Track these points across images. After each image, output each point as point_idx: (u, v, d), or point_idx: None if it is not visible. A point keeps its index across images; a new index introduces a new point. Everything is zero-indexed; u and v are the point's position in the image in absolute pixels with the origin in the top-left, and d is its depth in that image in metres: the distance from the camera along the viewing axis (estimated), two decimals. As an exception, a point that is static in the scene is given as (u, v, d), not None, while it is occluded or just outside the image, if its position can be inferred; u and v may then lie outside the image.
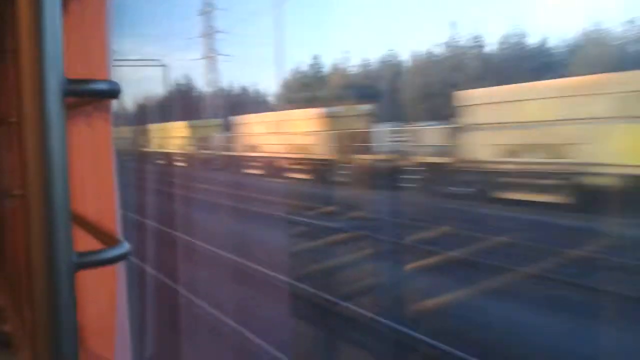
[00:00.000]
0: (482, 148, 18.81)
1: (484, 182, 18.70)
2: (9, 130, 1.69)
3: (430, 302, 11.20)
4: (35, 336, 0.75)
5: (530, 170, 17.45)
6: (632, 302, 10.43)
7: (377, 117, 24.39)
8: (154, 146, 45.84)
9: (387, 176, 20.86)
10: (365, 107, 25.19)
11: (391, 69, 48.07)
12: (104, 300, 1.20)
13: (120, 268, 1.24)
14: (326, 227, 16.56)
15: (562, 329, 10.53)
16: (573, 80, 18.89)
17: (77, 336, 0.78)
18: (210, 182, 28.03)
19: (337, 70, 47.45)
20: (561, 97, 17.23)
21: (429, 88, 35.66)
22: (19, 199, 1.75)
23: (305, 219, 17.98)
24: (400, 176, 20.90)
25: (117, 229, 1.20)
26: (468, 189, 19.31)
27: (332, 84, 43.41)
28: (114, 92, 0.88)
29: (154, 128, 47.27)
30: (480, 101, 19.88)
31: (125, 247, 0.88)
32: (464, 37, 59.59)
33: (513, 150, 18.07)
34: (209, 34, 47.72)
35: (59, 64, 0.73)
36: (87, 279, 0.96)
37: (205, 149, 36.34)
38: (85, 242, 0.90)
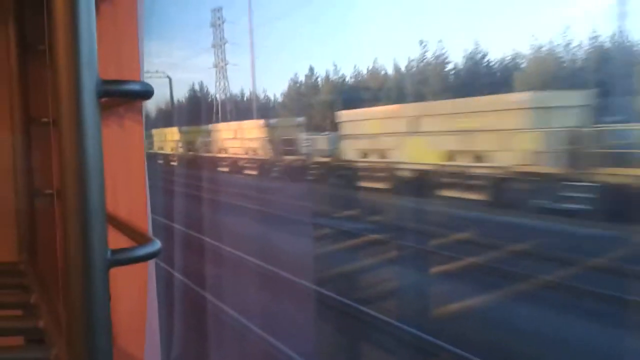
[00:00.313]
0: (349, 151, 26.98)
1: (349, 174, 26.33)
2: (41, 131, 1.74)
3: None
4: (71, 331, 0.77)
5: (372, 167, 24.98)
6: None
7: (305, 127, 32.68)
8: (155, 147, 52.65)
9: (300, 172, 28.41)
10: (298, 119, 34.03)
11: (329, 85, 53.50)
12: (135, 298, 1.23)
13: (150, 266, 1.28)
14: (245, 207, 22.48)
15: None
16: (389, 107, 28.64)
17: (111, 331, 0.81)
18: (185, 176, 33.19)
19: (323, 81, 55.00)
20: (383, 118, 25.42)
21: (335, 104, 42.54)
22: (50, 197, 1.76)
23: (241, 203, 24.00)
24: (307, 171, 28.70)
25: (148, 227, 1.26)
26: (341, 181, 26.73)
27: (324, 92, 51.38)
28: (146, 93, 0.93)
29: (156, 132, 54.18)
30: (346, 118, 28.80)
31: (157, 245, 0.91)
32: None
33: (364, 153, 25.92)
34: (219, 44, 51.36)
35: (93, 65, 0.76)
36: (119, 276, 0.99)
37: (190, 151, 44.35)
38: (117, 240, 0.93)
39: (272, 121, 34.51)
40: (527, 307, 12.27)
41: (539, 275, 12.90)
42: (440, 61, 43.62)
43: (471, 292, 12.80)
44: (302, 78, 55.88)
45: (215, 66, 47.39)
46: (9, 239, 1.72)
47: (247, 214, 22.43)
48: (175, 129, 50.64)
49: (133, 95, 1.00)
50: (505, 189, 19.04)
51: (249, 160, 31.97)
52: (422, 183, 22.33)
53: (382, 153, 25.35)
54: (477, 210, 19.17)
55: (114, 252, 0.88)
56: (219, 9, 45.50)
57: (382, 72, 48.70)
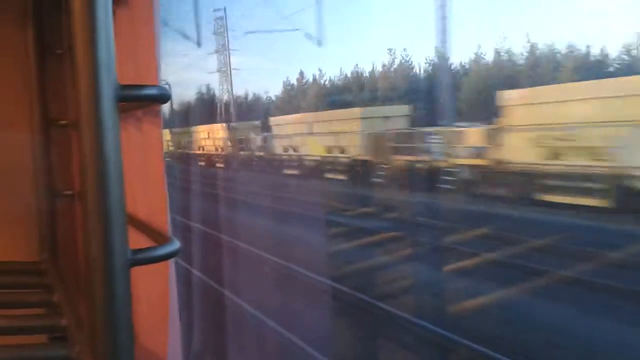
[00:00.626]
0: (277, 147, 34.72)
1: (276, 165, 33.70)
2: (60, 133, 1.79)
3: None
4: (93, 329, 0.80)
5: (290, 158, 32.88)
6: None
7: (260, 129, 39.58)
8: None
9: (248, 163, 36.39)
10: (255, 122, 40.86)
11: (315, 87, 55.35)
12: (156, 297, 1.24)
13: (171, 265, 1.27)
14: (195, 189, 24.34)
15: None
16: (297, 115, 37.90)
17: (132, 329, 0.84)
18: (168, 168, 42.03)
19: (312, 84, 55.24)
20: (294, 123, 34.60)
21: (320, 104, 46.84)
22: (70, 198, 1.80)
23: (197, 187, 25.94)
24: (252, 163, 36.41)
25: (168, 228, 1.25)
26: (272, 169, 33.91)
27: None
28: (164, 97, 0.96)
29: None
30: (275, 123, 37.61)
31: (176, 244, 0.94)
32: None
33: (285, 149, 33.59)
34: (220, 50, 52.42)
35: (112, 70, 0.79)
36: (141, 275, 1.00)
37: (178, 149, 50.54)
38: (137, 240, 0.95)
39: (233, 124, 42.56)
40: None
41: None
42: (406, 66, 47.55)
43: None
44: (293, 81, 56.82)
45: (218, 70, 48.27)
46: (30, 239, 1.66)
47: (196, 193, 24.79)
48: (167, 131, 54.63)
49: (150, 99, 1.00)
50: (354, 171, 27.16)
51: (218, 155, 39.64)
52: (316, 169, 30.02)
53: (295, 149, 33.06)
54: (341, 186, 27.23)
55: (135, 252, 0.88)
56: (221, 18, 46.29)
57: (363, 75, 51.34)
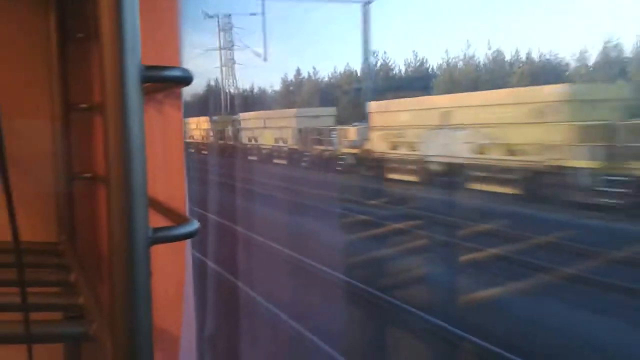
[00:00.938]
0: (243, 138, 32.06)
1: (243, 152, 31.15)
2: (80, 117, 1.45)
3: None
4: (114, 305, 0.66)
5: (252, 147, 31.25)
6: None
7: (238, 122, 34.95)
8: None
9: (224, 150, 33.65)
10: (233, 116, 36.80)
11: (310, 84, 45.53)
12: (173, 276, 1.02)
13: (187, 247, 1.05)
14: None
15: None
16: (258, 112, 33.87)
17: (151, 307, 0.68)
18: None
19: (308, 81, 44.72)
20: (255, 118, 32.47)
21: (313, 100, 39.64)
22: (88, 181, 1.47)
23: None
24: (227, 150, 33.55)
25: (186, 209, 1.03)
26: (239, 154, 31.63)
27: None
28: (186, 79, 0.77)
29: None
30: (242, 117, 34.11)
31: (195, 224, 0.78)
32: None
33: (249, 139, 31.56)
34: (227, 47, 43.96)
35: (137, 51, 0.64)
36: (159, 255, 0.80)
37: None
38: (156, 221, 0.78)
39: (214, 117, 39.25)
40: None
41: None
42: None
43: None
44: (291, 77, 46.70)
45: (225, 65, 45.37)
46: (49, 220, 1.35)
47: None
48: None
49: (174, 80, 0.78)
50: (291, 158, 27.03)
51: (204, 143, 37.29)
52: (268, 155, 29.60)
53: (255, 139, 32.15)
54: (281, 168, 26.57)
55: (155, 230, 0.71)
56: (229, 15, 42.49)
57: (353, 74, 41.98)
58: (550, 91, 13.42)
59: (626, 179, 11.05)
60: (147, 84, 0.61)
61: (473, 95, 16.92)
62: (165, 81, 0.67)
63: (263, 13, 30.82)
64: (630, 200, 10.90)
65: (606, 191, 11.34)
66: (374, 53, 31.82)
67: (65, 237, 1.20)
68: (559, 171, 12.23)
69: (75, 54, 1.25)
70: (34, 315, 0.79)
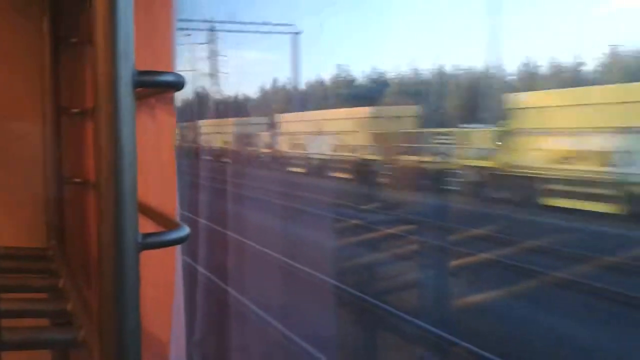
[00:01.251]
0: (202, 142, 32.75)
1: (210, 153, 30.83)
2: (71, 121, 1.40)
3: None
4: (102, 311, 0.65)
5: (209, 149, 31.64)
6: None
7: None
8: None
9: (195, 152, 32.23)
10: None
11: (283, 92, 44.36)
12: (163, 282, 0.99)
13: (177, 252, 1.02)
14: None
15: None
16: (213, 121, 35.15)
17: (139, 312, 0.67)
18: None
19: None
20: (211, 125, 33.74)
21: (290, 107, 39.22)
22: (78, 186, 1.41)
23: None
24: (196, 152, 33.56)
25: (176, 215, 1.00)
26: (206, 156, 31.20)
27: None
28: (179, 84, 0.76)
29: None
30: (204, 124, 35.30)
31: (185, 230, 0.75)
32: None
33: (207, 142, 32.03)
34: (212, 56, 49.55)
35: (130, 56, 0.63)
36: (149, 261, 0.76)
37: None
38: (146, 226, 0.76)
39: (183, 124, 40.22)
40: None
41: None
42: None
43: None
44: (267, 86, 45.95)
45: (210, 75, 46.34)
46: (38, 225, 1.31)
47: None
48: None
49: (167, 85, 0.76)
50: (235, 157, 29.44)
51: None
52: (219, 155, 30.51)
53: (209, 142, 33.43)
54: (226, 164, 27.45)
55: (145, 236, 0.69)
56: (214, 26, 43.43)
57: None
58: (365, 111, 21.20)
59: (391, 166, 18.34)
60: (140, 89, 0.60)
61: (333, 112, 23.72)
62: (158, 86, 0.66)
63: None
64: (393, 180, 18.28)
65: (384, 174, 18.54)
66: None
67: (55, 243, 1.16)
68: (364, 162, 19.27)
69: (68, 58, 1.15)
70: (22, 321, 0.77)
